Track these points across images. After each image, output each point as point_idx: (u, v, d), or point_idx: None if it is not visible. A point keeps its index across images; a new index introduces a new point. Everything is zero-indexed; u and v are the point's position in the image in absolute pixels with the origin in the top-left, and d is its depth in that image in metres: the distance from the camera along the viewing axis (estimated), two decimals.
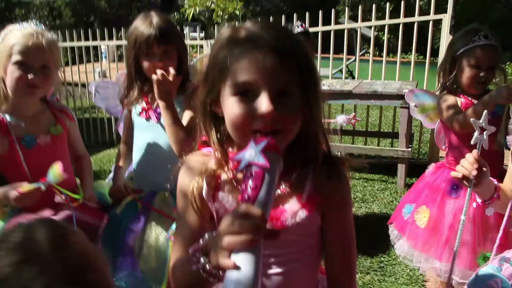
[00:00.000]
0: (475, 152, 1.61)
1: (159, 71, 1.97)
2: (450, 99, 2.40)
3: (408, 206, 2.56)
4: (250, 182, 0.89)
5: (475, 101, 2.33)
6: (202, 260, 0.93)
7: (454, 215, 2.29)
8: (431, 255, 2.36)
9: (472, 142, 1.62)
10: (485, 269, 1.61)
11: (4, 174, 2.00)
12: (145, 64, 2.07)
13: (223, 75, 1.07)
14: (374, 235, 3.60)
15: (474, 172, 1.59)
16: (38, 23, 2.01)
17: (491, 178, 1.68)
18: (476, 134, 1.60)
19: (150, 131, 2.20)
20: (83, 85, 6.78)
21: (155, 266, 2.04)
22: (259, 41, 1.03)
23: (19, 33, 1.89)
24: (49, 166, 1.84)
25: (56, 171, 1.83)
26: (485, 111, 1.62)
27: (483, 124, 1.59)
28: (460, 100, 2.39)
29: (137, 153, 2.26)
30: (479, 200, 1.77)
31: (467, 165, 1.61)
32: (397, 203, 4.26)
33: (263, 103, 1.00)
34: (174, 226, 2.00)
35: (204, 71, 1.16)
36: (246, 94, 1.03)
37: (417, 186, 2.66)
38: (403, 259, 2.55)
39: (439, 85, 2.54)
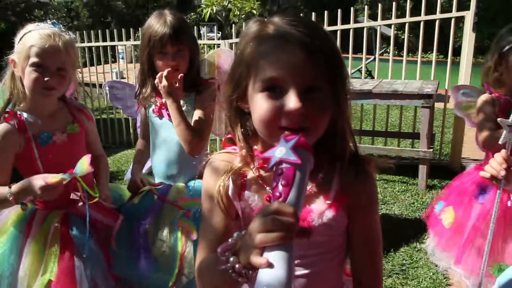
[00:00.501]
0: (503, 151, 1.60)
1: (159, 74, 2.04)
2: (487, 102, 2.31)
3: (440, 203, 2.53)
4: (281, 180, 0.88)
5: None
6: (231, 259, 0.92)
7: (479, 217, 2.25)
8: (451, 255, 2.33)
9: (500, 142, 1.60)
10: None
11: (20, 171, 2.02)
12: (158, 62, 2.12)
13: (250, 71, 1.07)
14: (395, 237, 3.60)
15: (503, 172, 1.59)
16: (56, 22, 2.03)
17: None
18: (504, 133, 1.58)
19: (163, 129, 2.25)
20: (101, 86, 6.82)
21: (167, 255, 2.10)
22: (287, 36, 1.02)
23: (37, 34, 1.90)
24: (65, 165, 1.86)
25: (84, 163, 1.85)
26: None
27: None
28: (499, 100, 2.30)
29: (153, 150, 2.33)
30: None
31: (496, 165, 1.61)
32: (418, 205, 4.28)
33: (291, 100, 0.99)
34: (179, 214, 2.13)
35: (231, 66, 1.15)
36: (274, 90, 1.02)
37: (452, 184, 2.61)
38: (430, 256, 2.56)
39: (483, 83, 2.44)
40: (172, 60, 2.08)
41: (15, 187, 1.86)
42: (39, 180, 1.81)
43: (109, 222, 2.08)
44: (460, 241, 2.30)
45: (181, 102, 2.12)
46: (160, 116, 2.24)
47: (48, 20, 2.02)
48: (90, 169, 1.85)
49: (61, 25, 2.02)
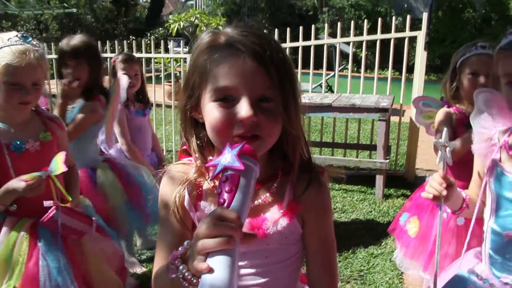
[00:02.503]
0: (441, 171, 1.61)
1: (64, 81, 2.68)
2: (443, 121, 2.44)
3: (404, 215, 2.59)
4: (225, 186, 0.88)
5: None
6: (181, 267, 0.91)
7: (442, 224, 2.30)
8: (419, 263, 2.40)
9: (437, 162, 1.62)
10: (460, 273, 1.67)
11: None
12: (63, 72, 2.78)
13: (203, 80, 1.07)
14: (353, 244, 3.71)
15: (444, 192, 1.59)
16: (25, 36, 2.00)
17: (458, 189, 1.72)
18: (439, 153, 1.60)
19: None
20: None
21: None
22: (239, 46, 1.03)
23: (10, 51, 1.88)
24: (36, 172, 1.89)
25: (58, 161, 1.89)
26: (445, 128, 1.65)
27: (445, 142, 1.59)
28: (455, 113, 2.43)
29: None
30: (449, 210, 1.85)
31: (436, 185, 1.62)
32: (375, 213, 4.40)
33: (243, 108, 1.00)
34: None
35: (185, 76, 1.15)
36: (226, 99, 1.03)
37: (414, 195, 2.68)
38: (399, 267, 2.60)
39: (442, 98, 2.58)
40: (72, 72, 2.70)
41: None
42: (18, 183, 1.84)
43: (83, 227, 2.07)
44: (426, 248, 2.37)
45: (74, 104, 2.74)
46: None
47: (17, 33, 1.98)
48: (65, 168, 1.88)
49: (30, 38, 2.00)
